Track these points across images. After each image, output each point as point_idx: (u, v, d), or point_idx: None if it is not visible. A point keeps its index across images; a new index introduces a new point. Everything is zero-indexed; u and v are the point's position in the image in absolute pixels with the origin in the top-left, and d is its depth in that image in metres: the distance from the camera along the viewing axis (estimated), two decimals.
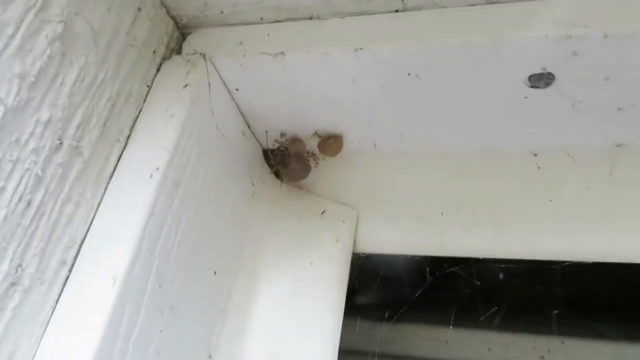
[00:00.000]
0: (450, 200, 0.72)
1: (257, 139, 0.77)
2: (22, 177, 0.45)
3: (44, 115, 0.47)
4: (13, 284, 0.44)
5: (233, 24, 0.66)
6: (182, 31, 0.68)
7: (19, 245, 0.44)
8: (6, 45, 0.43)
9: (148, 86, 0.61)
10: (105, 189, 0.54)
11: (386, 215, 0.74)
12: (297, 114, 0.70)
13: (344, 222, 0.74)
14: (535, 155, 0.71)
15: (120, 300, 0.47)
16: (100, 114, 0.54)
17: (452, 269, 0.69)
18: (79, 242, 0.51)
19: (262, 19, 0.65)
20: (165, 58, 0.64)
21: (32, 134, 0.46)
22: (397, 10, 0.60)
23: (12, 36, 0.44)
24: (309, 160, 0.76)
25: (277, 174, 0.76)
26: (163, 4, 0.64)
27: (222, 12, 0.65)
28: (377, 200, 0.75)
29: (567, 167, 0.69)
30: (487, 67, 0.58)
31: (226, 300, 0.67)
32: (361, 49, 0.58)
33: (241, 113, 0.71)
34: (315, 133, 0.74)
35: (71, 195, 0.50)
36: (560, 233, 0.67)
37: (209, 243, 0.64)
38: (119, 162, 0.56)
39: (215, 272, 0.65)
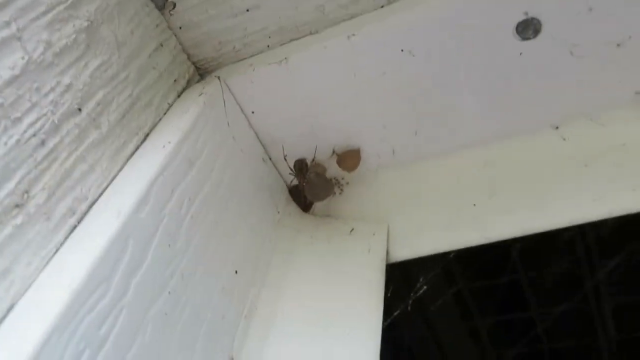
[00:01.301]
0: (481, 190, 0.69)
1: (279, 173, 0.79)
2: (38, 119, 0.48)
3: (65, 80, 0.53)
4: (17, 205, 0.44)
5: (245, 58, 0.74)
6: (201, 73, 0.77)
7: (28, 174, 0.46)
8: (37, 18, 0.51)
9: (169, 104, 0.67)
10: (122, 167, 0.57)
11: (418, 220, 0.70)
12: (311, 130, 0.73)
13: (374, 234, 0.70)
14: (557, 128, 0.68)
15: (123, 231, 0.46)
16: (121, 104, 0.59)
17: None
18: (90, 200, 0.52)
19: (268, 46, 0.73)
20: (185, 89, 0.72)
21: (52, 89, 0.51)
22: (382, 6, 0.67)
23: (44, 13, 0.52)
24: (332, 181, 0.76)
25: (299, 195, 0.75)
26: (184, 51, 0.74)
27: (234, 48, 0.74)
28: (407, 208, 0.72)
29: (593, 130, 0.66)
30: (472, 26, 0.61)
31: (250, 308, 0.61)
32: (353, 34, 0.64)
33: (260, 141, 0.75)
34: (333, 152, 0.75)
35: (86, 156, 0.53)
36: (606, 191, 0.61)
37: (229, 240, 0.62)
38: (137, 151, 0.59)
39: (236, 272, 0.61)
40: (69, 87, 0.53)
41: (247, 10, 0.70)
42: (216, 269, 0.58)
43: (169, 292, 0.50)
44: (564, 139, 0.67)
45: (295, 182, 0.73)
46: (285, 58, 0.67)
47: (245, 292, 0.61)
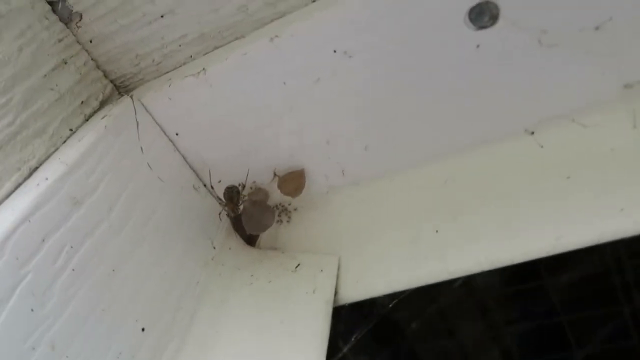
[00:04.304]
0: (444, 212, 0.57)
1: (218, 202, 0.68)
2: None
3: None
4: None
5: (169, 71, 0.65)
6: (121, 92, 0.67)
7: None
8: None
9: (71, 130, 0.58)
10: None
11: (373, 251, 0.59)
12: (242, 151, 0.63)
13: (321, 271, 0.59)
14: (532, 133, 0.56)
15: None
16: None
17: None
18: None
19: (191, 56, 0.63)
20: (98, 111, 0.62)
21: None
22: (313, 1, 0.56)
23: None
24: (273, 208, 0.65)
25: (236, 224, 0.65)
26: (99, 67, 0.65)
27: (153, 61, 0.64)
28: (361, 237, 0.61)
29: (575, 134, 0.54)
30: (416, 18, 0.50)
31: None
32: (277, 36, 0.54)
33: (189, 166, 0.65)
34: (275, 175, 0.65)
35: None
36: (592, 210, 0.49)
37: (134, 291, 0.51)
38: (15, 190, 0.49)
39: (143, 329, 0.51)
40: None
41: (162, 17, 0.60)
42: (110, 331, 0.47)
43: None
44: (541, 146, 0.55)
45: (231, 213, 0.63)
46: (203, 69, 0.57)
47: (154, 354, 0.51)
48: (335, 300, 0.56)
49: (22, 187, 0.49)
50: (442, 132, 0.58)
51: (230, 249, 0.66)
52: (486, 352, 0.60)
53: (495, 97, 0.55)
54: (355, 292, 0.57)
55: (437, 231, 0.56)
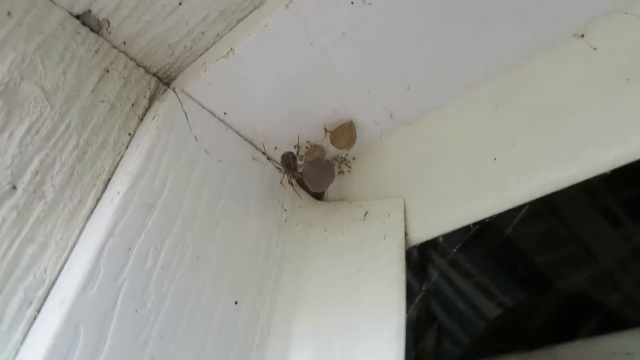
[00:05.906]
0: (500, 138, 0.56)
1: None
2: None
3: None
4: None
5: (203, 53, 0.66)
6: (166, 82, 0.69)
7: None
8: None
9: (130, 134, 0.62)
10: (82, 228, 0.53)
11: (436, 188, 0.60)
12: (291, 116, 0.64)
13: (389, 216, 0.61)
14: (582, 35, 0.52)
15: (68, 321, 0.43)
16: (65, 161, 0.55)
17: None
18: (48, 282, 0.49)
19: (218, 34, 0.63)
20: (149, 108, 0.65)
21: None
22: None
23: None
24: (332, 163, 0.67)
25: (301, 184, 0.67)
26: (139, 65, 0.67)
27: (186, 47, 0.65)
28: (422, 175, 0.62)
29: (631, 27, 0.49)
30: None
31: (261, 335, 0.56)
32: (291, 1, 0.53)
33: (244, 139, 0.67)
34: (326, 131, 0.66)
35: (33, 236, 0.49)
36: None
37: (220, 270, 0.56)
38: (97, 205, 0.55)
39: (236, 302, 0.56)
40: None
41: (180, 4, 0.61)
42: (207, 311, 0.53)
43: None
44: (594, 49, 0.51)
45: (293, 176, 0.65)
46: (231, 49, 0.58)
47: (251, 321, 0.56)
48: (406, 242, 0.58)
49: (102, 201, 0.54)
50: (483, 54, 0.55)
51: (300, 207, 0.69)
52: None
53: (534, 6, 0.51)
54: (423, 232, 0.58)
55: (495, 159, 0.55)
